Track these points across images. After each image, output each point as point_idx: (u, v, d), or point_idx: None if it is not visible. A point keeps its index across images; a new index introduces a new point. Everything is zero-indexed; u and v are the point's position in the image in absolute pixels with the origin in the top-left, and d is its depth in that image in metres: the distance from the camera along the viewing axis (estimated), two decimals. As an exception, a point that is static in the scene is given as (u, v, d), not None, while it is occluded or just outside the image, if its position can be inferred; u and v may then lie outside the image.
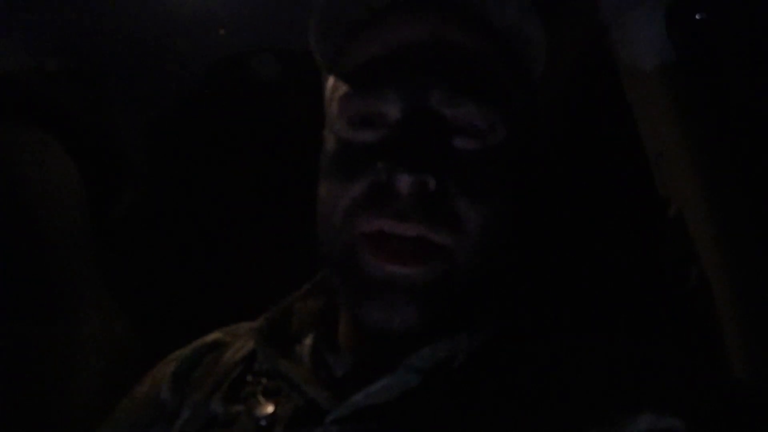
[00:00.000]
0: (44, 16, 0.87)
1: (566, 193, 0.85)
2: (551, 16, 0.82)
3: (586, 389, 0.54)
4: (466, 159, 0.58)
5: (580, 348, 0.59)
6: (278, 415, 0.58)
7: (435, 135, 0.57)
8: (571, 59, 0.89)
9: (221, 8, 0.88)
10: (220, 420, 0.62)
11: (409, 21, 0.61)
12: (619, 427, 0.51)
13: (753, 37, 0.82)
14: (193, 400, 0.66)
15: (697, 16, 0.83)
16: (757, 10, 0.82)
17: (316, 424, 0.55)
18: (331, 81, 0.67)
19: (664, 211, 0.85)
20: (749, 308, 0.79)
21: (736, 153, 0.81)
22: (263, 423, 0.58)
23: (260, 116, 1.02)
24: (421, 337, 0.57)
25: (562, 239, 0.84)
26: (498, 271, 0.63)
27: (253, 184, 1.01)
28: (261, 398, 0.61)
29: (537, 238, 0.77)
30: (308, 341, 0.66)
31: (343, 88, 0.62)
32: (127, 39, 0.93)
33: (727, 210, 0.81)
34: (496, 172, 0.59)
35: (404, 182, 0.54)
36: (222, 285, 0.97)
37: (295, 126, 0.74)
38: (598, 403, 0.53)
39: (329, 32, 0.64)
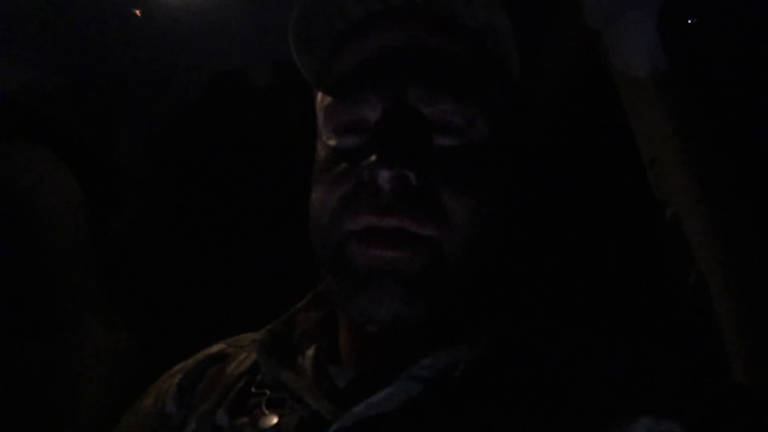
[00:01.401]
0: (44, 35, 0.87)
1: (563, 199, 0.85)
2: (545, 23, 0.83)
3: (585, 393, 0.55)
4: (447, 154, 0.59)
5: (579, 353, 0.59)
6: (282, 427, 0.59)
7: (414, 131, 0.59)
8: (565, 66, 0.89)
9: (219, 23, 0.88)
10: None
11: (385, 30, 0.63)
12: (618, 430, 0.51)
13: (745, 41, 0.82)
14: (198, 413, 0.67)
15: (689, 21, 0.83)
16: (748, 14, 0.82)
17: None
18: (319, 93, 0.68)
19: (660, 215, 0.85)
20: (748, 310, 0.79)
21: (730, 156, 0.82)
22: None
23: (259, 128, 1.03)
24: (418, 340, 0.58)
25: (558, 245, 0.84)
26: (491, 270, 0.64)
27: (253, 195, 1.02)
28: (265, 410, 0.61)
29: (534, 244, 0.77)
30: (310, 352, 0.67)
31: (328, 99, 0.64)
32: (126, 55, 0.94)
33: (722, 212, 0.82)
34: (479, 167, 0.60)
35: (384, 177, 0.56)
36: (224, 296, 0.97)
37: (294, 137, 0.74)
38: (597, 407, 0.53)
39: (311, 47, 0.66)
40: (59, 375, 0.81)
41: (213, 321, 0.85)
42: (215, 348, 0.76)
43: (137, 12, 0.89)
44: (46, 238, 0.84)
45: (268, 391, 0.63)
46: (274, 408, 0.61)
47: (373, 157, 0.57)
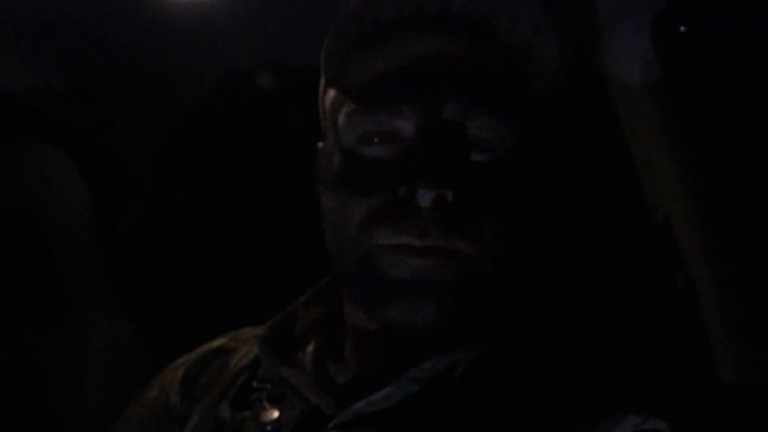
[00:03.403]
0: (52, 37, 0.88)
1: (555, 202, 0.86)
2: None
3: (575, 392, 0.56)
4: (479, 171, 0.59)
5: (570, 352, 0.61)
6: (283, 421, 0.60)
7: (453, 149, 0.58)
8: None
9: (226, 26, 0.89)
10: (228, 425, 0.64)
11: (417, 36, 0.61)
12: (605, 429, 0.53)
13: (737, 47, 0.83)
14: (201, 405, 0.68)
15: (681, 29, 0.84)
16: (740, 22, 0.83)
17: (320, 429, 0.57)
18: (331, 93, 0.67)
19: (651, 218, 0.86)
20: (735, 311, 0.80)
21: (720, 160, 0.82)
22: (269, 428, 0.60)
23: (263, 129, 1.04)
24: (421, 343, 0.59)
25: (550, 247, 0.85)
26: (522, 283, 0.65)
27: (256, 194, 1.02)
28: (266, 404, 0.62)
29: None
30: (310, 348, 0.68)
31: (352, 104, 0.62)
32: (134, 56, 0.94)
33: (712, 215, 0.82)
34: (509, 184, 0.61)
35: (426, 198, 0.55)
36: (226, 292, 0.98)
37: (297, 139, 0.75)
38: (585, 406, 0.55)
39: (336, 46, 0.64)
40: (64, 368, 0.82)
41: (215, 316, 0.86)
42: (217, 342, 0.77)
43: None
44: (52, 234, 0.85)
45: (269, 386, 0.64)
46: (275, 402, 0.62)
47: (412, 175, 0.56)
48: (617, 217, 0.89)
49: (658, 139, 0.85)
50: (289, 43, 0.77)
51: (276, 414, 0.61)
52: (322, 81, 0.70)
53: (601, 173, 0.89)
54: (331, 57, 0.64)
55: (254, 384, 0.66)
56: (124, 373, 0.87)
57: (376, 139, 0.60)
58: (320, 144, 0.72)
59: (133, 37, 0.90)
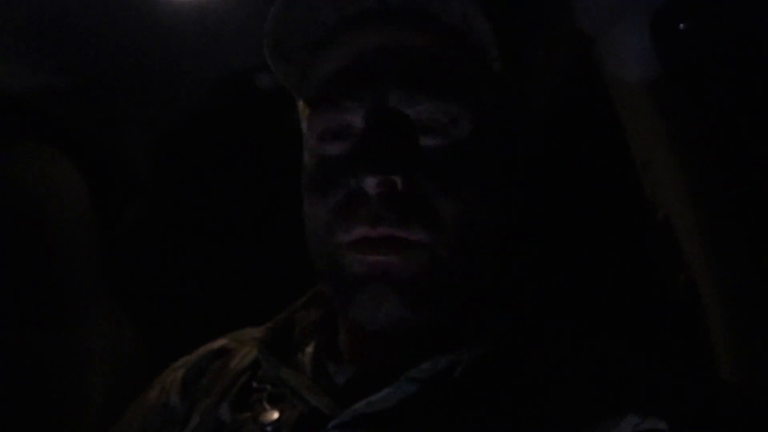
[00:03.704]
0: (52, 37, 0.88)
1: (556, 201, 0.86)
2: (540, 29, 0.84)
3: (574, 393, 0.56)
4: (432, 155, 0.58)
5: (569, 353, 0.61)
6: (283, 422, 0.60)
7: (397, 135, 0.58)
8: (559, 70, 0.90)
9: (228, 26, 0.89)
10: (228, 426, 0.64)
11: (361, 34, 0.62)
12: (604, 429, 0.53)
13: (736, 46, 0.83)
14: (202, 406, 0.68)
15: (680, 27, 0.84)
16: (740, 20, 0.83)
17: (319, 429, 0.57)
18: (301, 101, 0.68)
19: (651, 217, 0.86)
20: (736, 310, 0.80)
21: (721, 159, 0.82)
22: (269, 429, 0.60)
23: (263, 129, 1.04)
24: (419, 343, 0.59)
25: (549, 245, 0.85)
26: (490, 272, 0.64)
27: (256, 194, 1.03)
28: (266, 405, 0.62)
29: (526, 244, 0.78)
30: (309, 349, 0.68)
31: (308, 107, 0.63)
32: (133, 57, 0.94)
33: (713, 215, 0.82)
34: (466, 166, 0.59)
35: (371, 184, 0.55)
36: (227, 292, 0.98)
37: (297, 139, 0.75)
38: (585, 406, 0.55)
39: (288, 55, 0.65)
40: (65, 369, 0.83)
41: (215, 317, 0.86)
42: (218, 343, 0.77)
43: None
44: (52, 234, 0.86)
45: (269, 387, 0.64)
46: (275, 403, 0.62)
47: (359, 165, 0.56)
48: (617, 217, 0.89)
49: (658, 139, 0.85)
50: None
51: (276, 415, 0.61)
52: None
53: (601, 173, 0.89)
54: (287, 66, 0.66)
55: (254, 385, 0.67)
56: (125, 373, 0.88)
57: (332, 137, 0.61)
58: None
59: (133, 37, 0.90)
